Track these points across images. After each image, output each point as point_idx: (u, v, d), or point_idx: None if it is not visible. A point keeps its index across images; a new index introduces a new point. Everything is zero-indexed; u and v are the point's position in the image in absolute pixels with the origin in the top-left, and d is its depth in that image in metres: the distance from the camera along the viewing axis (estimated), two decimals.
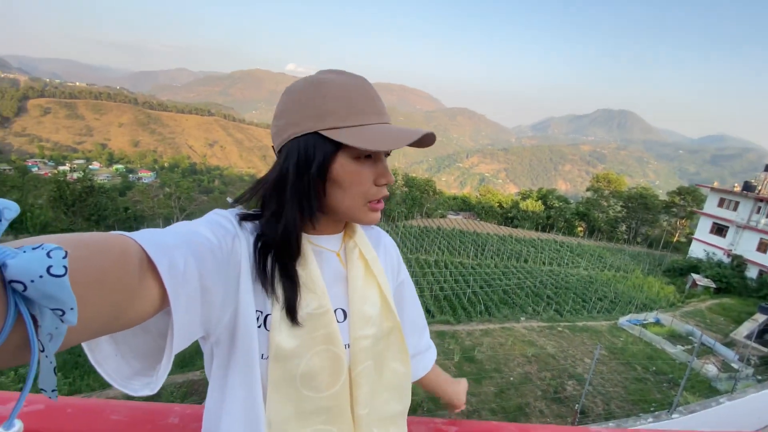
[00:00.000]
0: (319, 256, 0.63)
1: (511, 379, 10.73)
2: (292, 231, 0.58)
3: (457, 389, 0.94)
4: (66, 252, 0.27)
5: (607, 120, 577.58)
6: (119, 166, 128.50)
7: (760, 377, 11.31)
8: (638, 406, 9.92)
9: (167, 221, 32.93)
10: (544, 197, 42.97)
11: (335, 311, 0.62)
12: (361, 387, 0.62)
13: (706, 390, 10.90)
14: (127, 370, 0.46)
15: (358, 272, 0.66)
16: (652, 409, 8.97)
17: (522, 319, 15.94)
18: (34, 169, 79.78)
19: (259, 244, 0.57)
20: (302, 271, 0.59)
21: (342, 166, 0.57)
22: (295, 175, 0.57)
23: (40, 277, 0.25)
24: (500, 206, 42.66)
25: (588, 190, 46.47)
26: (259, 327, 0.56)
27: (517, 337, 13.64)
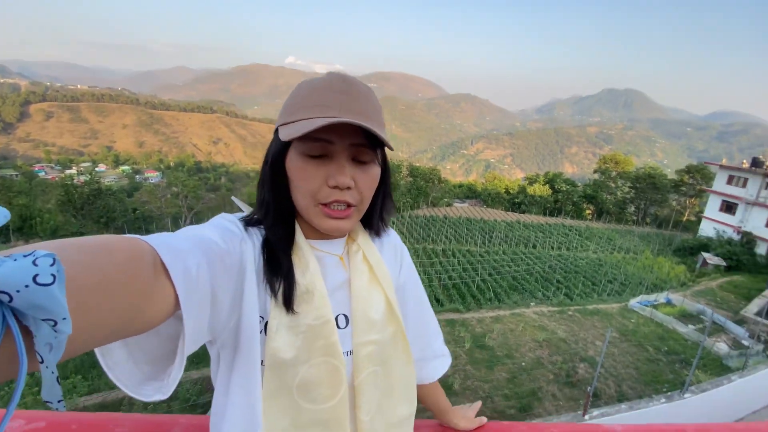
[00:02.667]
0: (321, 261, 0.62)
1: (523, 364, 10.78)
2: (272, 227, 0.58)
3: (467, 414, 0.88)
4: (54, 259, 0.26)
5: (613, 100, 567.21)
6: (125, 167, 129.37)
7: None
8: (651, 386, 9.93)
9: (176, 221, 33.24)
10: (551, 181, 42.51)
11: (336, 317, 0.61)
12: (364, 394, 0.62)
13: (717, 368, 10.87)
14: (138, 375, 0.45)
15: (362, 276, 0.65)
16: (664, 389, 8.97)
17: (532, 304, 15.94)
18: (41, 174, 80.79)
19: (263, 245, 0.57)
20: (303, 279, 0.57)
21: (291, 161, 0.56)
22: (261, 170, 0.61)
23: (26, 286, 0.24)
24: (507, 192, 42.36)
25: (595, 172, 45.89)
26: (260, 332, 0.56)
27: (528, 322, 13.67)
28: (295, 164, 0.56)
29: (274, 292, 0.56)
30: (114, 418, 0.78)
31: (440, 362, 0.81)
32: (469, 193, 45.92)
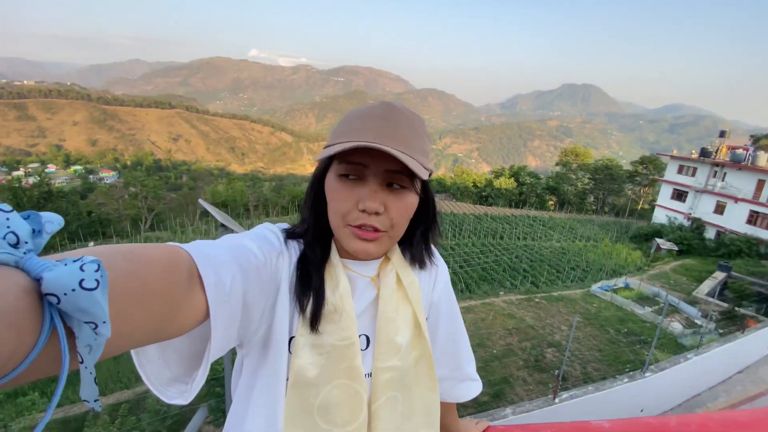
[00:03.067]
0: (353, 281, 0.62)
1: (494, 351, 11.06)
2: (310, 243, 0.59)
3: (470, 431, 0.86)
4: (99, 265, 0.27)
5: (572, 94, 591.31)
6: (77, 167, 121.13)
7: (721, 331, 12.14)
8: (613, 367, 10.47)
9: (135, 223, 31.52)
10: (515, 174, 43.78)
11: (359, 337, 0.61)
12: (381, 419, 0.61)
13: (673, 347, 11.62)
14: (167, 374, 0.46)
15: (392, 298, 0.63)
16: (627, 369, 9.47)
17: (501, 293, 16.39)
18: None
19: (299, 260, 0.59)
20: (332, 295, 0.58)
21: (328, 181, 0.58)
22: (307, 189, 0.64)
23: (73, 290, 0.25)
24: (475, 186, 43.22)
25: (557, 164, 47.69)
26: (288, 351, 0.57)
27: (498, 311, 14.04)
28: (330, 185, 0.57)
29: (302, 308, 0.56)
30: None
31: (470, 386, 0.81)
32: (438, 187, 46.45)
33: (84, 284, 0.26)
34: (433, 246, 0.71)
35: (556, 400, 7.09)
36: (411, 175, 0.56)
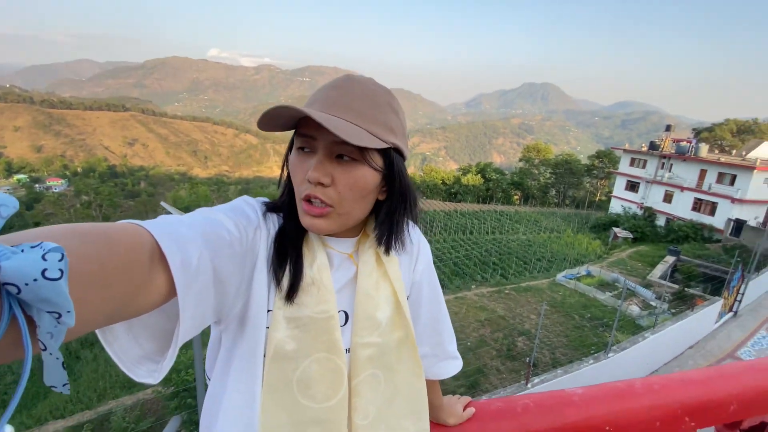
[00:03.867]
0: (330, 258, 0.61)
1: (468, 343, 11.33)
2: (287, 216, 0.59)
3: (456, 410, 0.84)
4: (63, 254, 0.26)
5: (532, 93, 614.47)
6: (21, 176, 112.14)
7: (673, 311, 13.05)
8: (579, 350, 11.00)
9: None
10: (482, 171, 44.96)
11: (338, 313, 0.59)
12: (362, 397, 0.60)
13: (632, 328, 12.36)
14: (137, 351, 0.45)
15: (371, 274, 0.62)
16: (592, 351, 9.98)
17: (473, 287, 16.79)
18: None
19: (277, 233, 0.58)
20: (310, 270, 0.57)
21: (290, 155, 0.58)
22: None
23: (35, 280, 0.24)
24: (443, 183, 43.95)
25: (520, 160, 49.46)
26: (267, 327, 0.56)
27: (470, 304, 14.38)
28: (291, 158, 0.57)
29: (278, 281, 0.55)
30: None
31: (452, 364, 0.80)
32: None
33: (47, 274, 0.25)
34: (412, 225, 0.69)
35: (529, 386, 7.39)
36: (362, 147, 0.53)
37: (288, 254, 0.56)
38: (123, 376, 10.75)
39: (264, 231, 0.56)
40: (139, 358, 0.45)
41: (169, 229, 0.41)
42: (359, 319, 0.60)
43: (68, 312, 0.26)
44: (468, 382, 9.28)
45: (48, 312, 0.26)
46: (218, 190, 41.48)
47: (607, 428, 0.86)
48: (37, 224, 29.01)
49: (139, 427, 6.99)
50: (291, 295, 0.55)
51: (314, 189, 0.53)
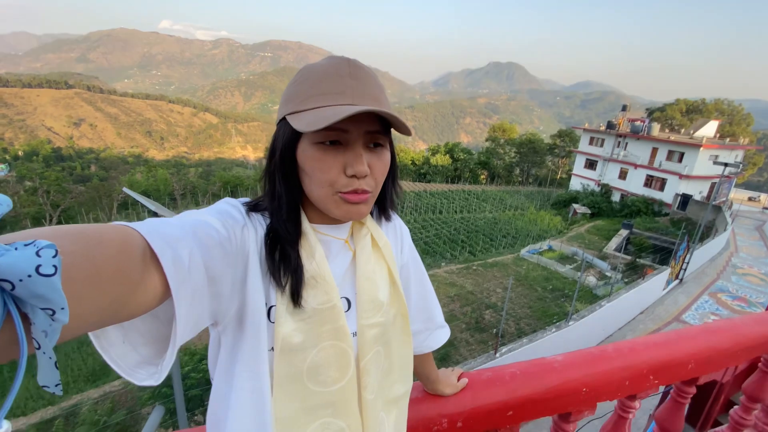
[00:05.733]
0: (326, 245, 0.62)
1: None
2: (277, 216, 0.57)
3: (451, 381, 0.90)
4: (56, 251, 0.26)
5: (498, 72, 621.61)
6: None
7: (626, 280, 14.05)
8: (542, 321, 11.68)
9: (37, 221, 27.57)
10: (450, 151, 45.47)
11: (340, 300, 0.60)
12: (370, 374, 0.62)
13: (590, 297, 13.23)
14: (135, 357, 0.45)
15: (369, 259, 0.64)
16: (554, 320, 10.63)
17: (443, 264, 17.25)
18: None
19: (267, 232, 0.57)
20: (309, 263, 0.57)
21: (304, 152, 0.55)
22: (267, 160, 0.59)
23: (29, 276, 0.25)
24: (413, 164, 44.17)
25: (487, 140, 50.38)
26: (267, 319, 0.56)
27: (440, 281, 14.80)
28: (310, 154, 0.55)
29: (282, 284, 0.55)
30: None
31: (442, 332, 0.85)
32: None
33: (41, 270, 0.25)
34: (395, 198, 0.73)
35: (497, 355, 7.81)
36: (386, 132, 0.57)
37: (287, 259, 0.56)
38: (86, 368, 10.30)
39: (251, 229, 0.55)
40: (138, 363, 0.45)
41: (159, 229, 0.42)
42: (363, 302, 0.62)
43: (62, 309, 0.27)
44: (439, 355, 9.66)
45: (42, 309, 0.26)
46: (177, 173, 39.38)
47: (584, 389, 0.94)
48: None
49: (113, 419, 6.77)
50: (296, 296, 0.55)
51: (360, 182, 0.55)
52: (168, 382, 6.04)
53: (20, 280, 0.25)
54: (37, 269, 0.25)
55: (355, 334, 0.62)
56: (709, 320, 8.20)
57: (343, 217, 0.57)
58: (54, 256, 0.26)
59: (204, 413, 7.06)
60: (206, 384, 7.40)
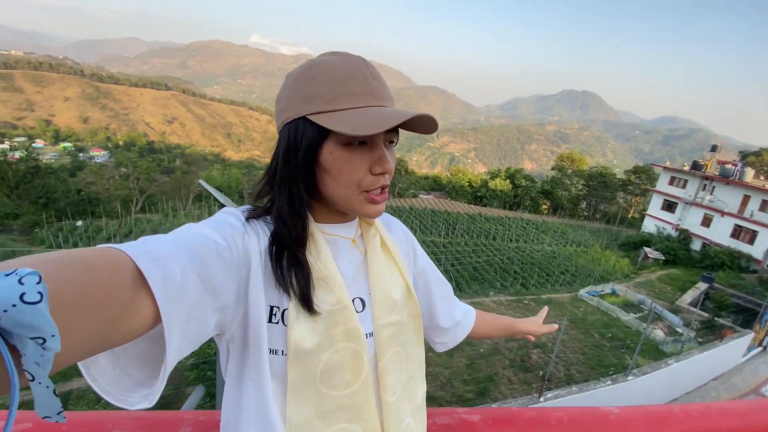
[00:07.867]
0: (334, 245, 0.61)
1: (481, 350, 11.22)
2: (288, 219, 0.56)
3: (530, 323, 0.96)
4: (40, 277, 0.25)
5: (571, 101, 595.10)
6: (67, 144, 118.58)
7: (700, 340, 12.47)
8: (596, 370, 10.70)
9: (126, 204, 31.11)
10: (511, 176, 44.10)
11: (353, 301, 0.60)
12: (390, 375, 0.62)
13: (654, 353, 11.90)
14: (127, 381, 0.43)
15: (380, 259, 0.64)
16: (610, 372, 9.70)
17: (491, 293, 16.57)
18: None
19: (272, 237, 0.57)
20: (317, 264, 0.57)
21: (331, 152, 0.54)
22: (283, 161, 0.56)
23: (14, 306, 0.24)
24: (470, 186, 43.43)
25: (553, 169, 48.17)
26: (276, 323, 0.55)
27: (487, 311, 14.16)
28: (337, 155, 0.54)
29: (291, 288, 0.54)
30: (111, 416, 0.71)
31: (469, 311, 0.91)
32: (434, 185, 46.60)
33: (26, 298, 0.24)
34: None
35: (541, 399, 7.27)
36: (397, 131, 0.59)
37: (297, 259, 0.55)
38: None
39: (253, 236, 0.55)
40: (131, 386, 0.44)
41: (148, 248, 0.40)
42: (378, 302, 0.62)
43: (53, 336, 0.25)
44: (477, 389, 9.21)
45: (32, 338, 0.25)
46: (249, 173, 42.40)
47: None
48: (78, 191, 30.73)
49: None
50: (307, 299, 0.54)
51: (385, 179, 0.57)
52: (213, 366, 6.40)
53: (4, 311, 0.24)
54: (21, 297, 0.24)
55: (370, 335, 0.61)
56: None
57: (368, 216, 0.59)
58: (38, 283, 0.25)
59: None
60: None
